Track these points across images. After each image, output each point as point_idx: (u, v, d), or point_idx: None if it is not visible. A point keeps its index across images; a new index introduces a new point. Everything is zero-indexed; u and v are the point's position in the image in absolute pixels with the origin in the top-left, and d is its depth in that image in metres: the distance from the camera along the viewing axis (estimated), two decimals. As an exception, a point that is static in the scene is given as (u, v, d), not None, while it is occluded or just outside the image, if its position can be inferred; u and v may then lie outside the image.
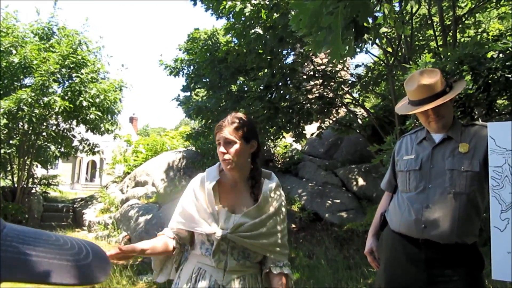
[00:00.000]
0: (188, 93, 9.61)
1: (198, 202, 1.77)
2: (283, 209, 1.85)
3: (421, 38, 7.68)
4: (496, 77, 2.83)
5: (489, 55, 3.10)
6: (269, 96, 7.44)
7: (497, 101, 3.63)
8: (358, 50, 5.31)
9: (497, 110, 3.33)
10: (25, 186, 11.12)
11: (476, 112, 3.03)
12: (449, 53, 2.92)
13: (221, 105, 7.76)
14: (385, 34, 6.43)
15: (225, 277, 1.71)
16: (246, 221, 1.72)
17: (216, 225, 1.72)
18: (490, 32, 6.25)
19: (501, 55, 2.93)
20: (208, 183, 1.78)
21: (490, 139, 1.77)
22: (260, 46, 6.54)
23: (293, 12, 5.86)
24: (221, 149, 1.74)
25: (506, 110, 3.66)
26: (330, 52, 1.93)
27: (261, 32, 6.05)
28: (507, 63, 2.82)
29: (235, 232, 1.70)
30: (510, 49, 2.94)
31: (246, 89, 7.79)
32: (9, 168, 11.33)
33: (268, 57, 6.84)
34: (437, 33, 6.50)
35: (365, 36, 2.54)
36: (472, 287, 1.87)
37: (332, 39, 1.84)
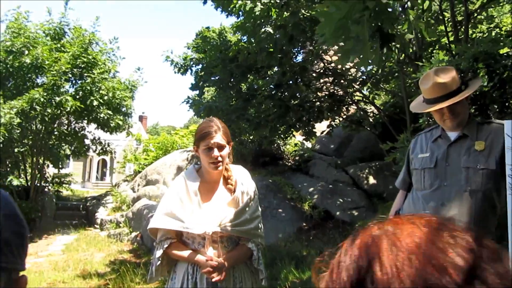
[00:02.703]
0: (196, 92, 9.63)
1: (183, 204, 1.93)
2: (256, 195, 2.10)
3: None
4: (511, 74, 2.80)
5: (503, 51, 3.07)
6: (280, 94, 7.44)
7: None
8: (384, 58, 5.29)
9: (511, 109, 3.30)
10: (38, 185, 11.27)
11: (491, 109, 3.01)
12: (464, 51, 2.90)
13: (231, 104, 7.78)
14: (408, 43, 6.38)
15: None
16: (230, 213, 1.95)
17: (205, 222, 1.91)
18: (503, 27, 6.17)
19: (516, 51, 2.91)
20: (191, 185, 1.96)
21: (507, 136, 1.77)
22: (271, 45, 6.54)
23: (303, 11, 5.86)
24: (215, 153, 1.92)
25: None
26: (359, 61, 1.94)
27: (271, 31, 6.06)
28: (522, 60, 2.80)
29: (223, 225, 1.92)
30: (525, 45, 2.92)
31: (256, 88, 7.80)
32: (22, 167, 11.48)
33: (279, 56, 6.85)
34: (448, 29, 6.44)
35: (391, 44, 2.54)
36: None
37: (360, 48, 1.85)
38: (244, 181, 2.05)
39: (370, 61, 2.01)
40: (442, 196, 1.96)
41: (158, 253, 1.94)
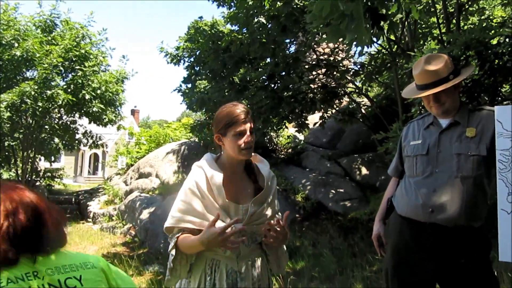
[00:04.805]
0: (189, 85, 9.58)
1: (205, 199, 1.73)
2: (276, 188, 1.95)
3: (424, 25, 7.63)
4: (501, 63, 2.82)
5: (494, 41, 3.09)
6: (272, 86, 7.43)
7: (502, 88, 3.62)
8: (374, 38, 5.28)
9: (502, 97, 3.33)
10: (29, 179, 11.19)
11: (483, 97, 3.03)
12: (455, 39, 2.91)
13: (224, 96, 7.76)
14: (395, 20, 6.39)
15: (239, 263, 1.76)
16: (256, 209, 1.77)
17: (228, 219, 1.70)
18: (494, 19, 6.21)
19: (507, 40, 2.92)
20: (215, 179, 1.75)
21: (498, 122, 1.78)
22: (264, 35, 6.51)
23: (296, 1, 5.83)
24: (249, 138, 1.75)
25: (511, 96, 3.65)
26: (351, 41, 1.92)
27: (264, 21, 6.03)
28: (512, 48, 2.81)
29: (250, 222, 1.75)
30: (515, 34, 2.93)
31: (248, 79, 7.77)
32: (12, 161, 11.39)
33: (272, 46, 6.82)
34: (440, 21, 6.46)
35: (382, 23, 2.53)
36: (479, 270, 1.89)
37: (356, 26, 1.83)
38: (269, 174, 1.88)
39: (368, 40, 2.00)
40: (434, 183, 1.98)
41: (171, 246, 1.73)
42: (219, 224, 1.66)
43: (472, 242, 1.92)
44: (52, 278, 1.01)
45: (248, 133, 1.75)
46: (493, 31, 2.93)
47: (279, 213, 1.92)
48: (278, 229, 1.69)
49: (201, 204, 1.73)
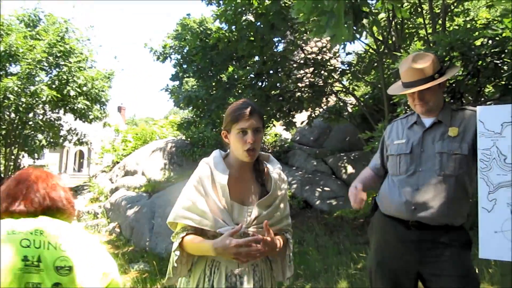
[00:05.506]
0: (177, 82, 9.52)
1: (209, 198, 1.68)
2: (287, 191, 1.88)
3: (411, 26, 7.72)
4: (485, 63, 2.87)
5: (478, 42, 3.14)
6: (260, 84, 7.43)
7: (485, 89, 3.69)
8: (357, 35, 5.32)
9: (485, 97, 3.39)
10: (12, 176, 11.00)
11: (467, 97, 3.07)
12: (440, 39, 2.95)
13: (212, 94, 7.73)
14: (379, 19, 6.44)
15: (239, 266, 1.69)
16: (261, 212, 1.70)
17: (231, 221, 1.67)
18: (478, 21, 6.30)
19: (490, 41, 2.97)
20: (220, 178, 1.69)
21: (479, 122, 1.81)
22: (252, 33, 6.51)
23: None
24: (250, 137, 1.66)
25: (494, 97, 3.71)
26: (333, 37, 1.94)
27: (252, 19, 6.02)
28: (495, 50, 2.86)
29: (254, 225, 1.68)
30: (499, 36, 2.99)
31: (236, 77, 7.77)
32: (-5, 158, 11.19)
33: (260, 45, 6.82)
34: (426, 21, 6.54)
35: (364, 21, 2.55)
36: (460, 266, 1.92)
37: (335, 24, 1.84)
38: (278, 177, 1.79)
39: (345, 38, 2.02)
40: (417, 181, 2.00)
41: (175, 245, 1.70)
42: (222, 225, 1.64)
43: (453, 239, 1.95)
44: None
45: (250, 131, 1.66)
46: (477, 33, 2.98)
47: (289, 218, 1.86)
48: (268, 239, 1.60)
49: (204, 202, 1.68)
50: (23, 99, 9.52)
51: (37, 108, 10.79)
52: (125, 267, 6.10)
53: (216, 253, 1.58)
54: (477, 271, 2.23)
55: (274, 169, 1.81)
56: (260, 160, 1.83)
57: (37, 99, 9.80)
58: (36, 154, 11.90)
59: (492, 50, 2.93)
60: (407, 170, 2.05)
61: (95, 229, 9.02)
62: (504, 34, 2.90)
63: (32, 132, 11.23)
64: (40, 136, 11.53)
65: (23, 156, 11.99)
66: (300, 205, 7.76)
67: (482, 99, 3.03)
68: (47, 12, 11.06)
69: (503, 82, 3.10)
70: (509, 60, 2.93)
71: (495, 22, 3.83)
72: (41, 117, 11.16)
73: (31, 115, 10.69)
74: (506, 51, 2.90)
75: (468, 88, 2.94)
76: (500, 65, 2.96)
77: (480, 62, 2.91)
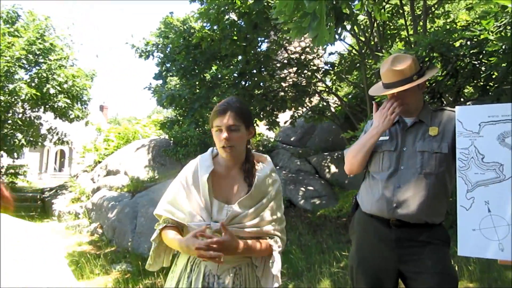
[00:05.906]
0: (160, 81, 9.44)
1: (191, 193, 1.70)
2: (280, 194, 1.84)
3: (392, 27, 7.82)
4: (463, 64, 2.92)
5: (457, 44, 3.20)
6: (243, 83, 7.42)
7: (465, 89, 3.76)
8: (337, 36, 5.36)
9: (464, 98, 3.45)
10: None
11: (447, 98, 3.12)
12: (421, 40, 2.99)
13: (195, 93, 7.68)
14: (360, 22, 6.51)
15: (219, 267, 1.65)
16: (240, 212, 1.66)
17: (209, 217, 1.65)
18: (458, 23, 6.43)
19: (468, 43, 3.03)
20: (202, 174, 1.69)
21: (458, 122, 1.84)
22: (235, 33, 6.49)
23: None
24: (224, 135, 1.66)
25: (473, 97, 3.79)
26: (314, 38, 1.94)
27: (235, 18, 6.00)
28: (474, 50, 2.92)
29: (230, 224, 1.64)
30: (477, 37, 3.05)
31: (219, 76, 7.74)
32: (-28, 157, 10.90)
33: (243, 44, 6.81)
34: (408, 23, 6.64)
35: (344, 22, 2.57)
36: (439, 264, 1.94)
37: (317, 25, 1.85)
38: (266, 176, 1.76)
39: (325, 39, 2.03)
40: (399, 179, 2.03)
41: (153, 236, 1.75)
42: (199, 220, 1.64)
43: (432, 237, 1.98)
44: None
45: (224, 129, 1.67)
46: (456, 34, 3.03)
47: (282, 224, 1.83)
48: (224, 239, 1.54)
49: (185, 196, 1.71)
50: (1, 97, 9.31)
51: (16, 107, 10.57)
52: (106, 268, 6.02)
53: (182, 250, 1.60)
54: (456, 269, 2.27)
55: (264, 169, 1.79)
56: (251, 160, 1.81)
57: (16, 97, 9.59)
58: (15, 154, 11.63)
59: (471, 51, 2.99)
60: (389, 167, 2.07)
61: (76, 230, 8.88)
62: (482, 36, 2.96)
63: (11, 131, 10.98)
64: (19, 135, 11.28)
65: (1, 156, 11.71)
66: (284, 205, 7.77)
67: (461, 99, 3.09)
68: (26, 9, 10.82)
69: (482, 83, 3.17)
70: (487, 61, 2.99)
71: (474, 24, 3.90)
72: (20, 115, 10.93)
73: (9, 113, 10.45)
74: (484, 52, 2.96)
75: (447, 89, 2.99)
76: (478, 66, 3.02)
77: (459, 62, 2.97)
